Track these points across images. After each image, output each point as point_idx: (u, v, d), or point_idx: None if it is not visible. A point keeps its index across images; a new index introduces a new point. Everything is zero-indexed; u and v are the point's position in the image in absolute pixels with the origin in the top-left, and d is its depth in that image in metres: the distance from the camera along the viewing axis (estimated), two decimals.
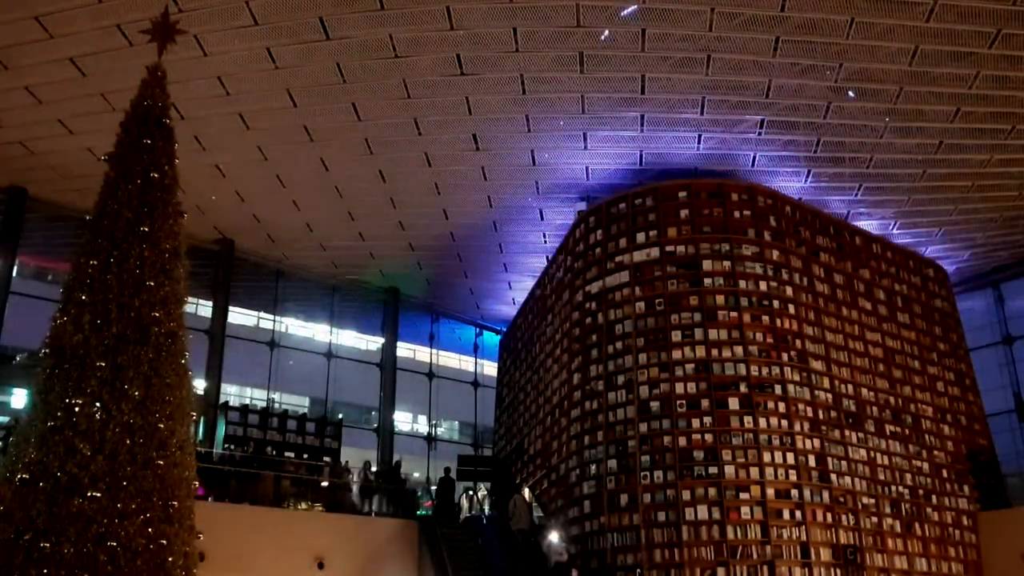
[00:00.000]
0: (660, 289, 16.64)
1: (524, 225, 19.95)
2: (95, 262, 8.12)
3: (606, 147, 16.82)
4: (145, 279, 8.17)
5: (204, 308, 21.75)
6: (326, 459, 19.99)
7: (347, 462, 19.86)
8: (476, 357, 27.24)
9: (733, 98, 15.04)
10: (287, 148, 17.00)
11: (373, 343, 25.63)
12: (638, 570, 14.78)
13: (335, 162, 17.50)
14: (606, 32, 13.56)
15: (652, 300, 16.64)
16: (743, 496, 14.83)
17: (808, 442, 15.53)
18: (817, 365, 16.42)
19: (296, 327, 24.92)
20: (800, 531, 14.71)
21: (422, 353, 26.37)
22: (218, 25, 13.46)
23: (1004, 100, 14.78)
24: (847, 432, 16.25)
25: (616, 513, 15.44)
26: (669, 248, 16.98)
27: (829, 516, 15.11)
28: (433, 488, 20.80)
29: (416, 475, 24.17)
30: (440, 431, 26.29)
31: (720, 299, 16.37)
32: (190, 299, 9.98)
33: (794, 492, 14.97)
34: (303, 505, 17.23)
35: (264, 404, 22.10)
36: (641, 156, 17.03)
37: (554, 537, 15.69)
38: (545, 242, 20.65)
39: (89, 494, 7.29)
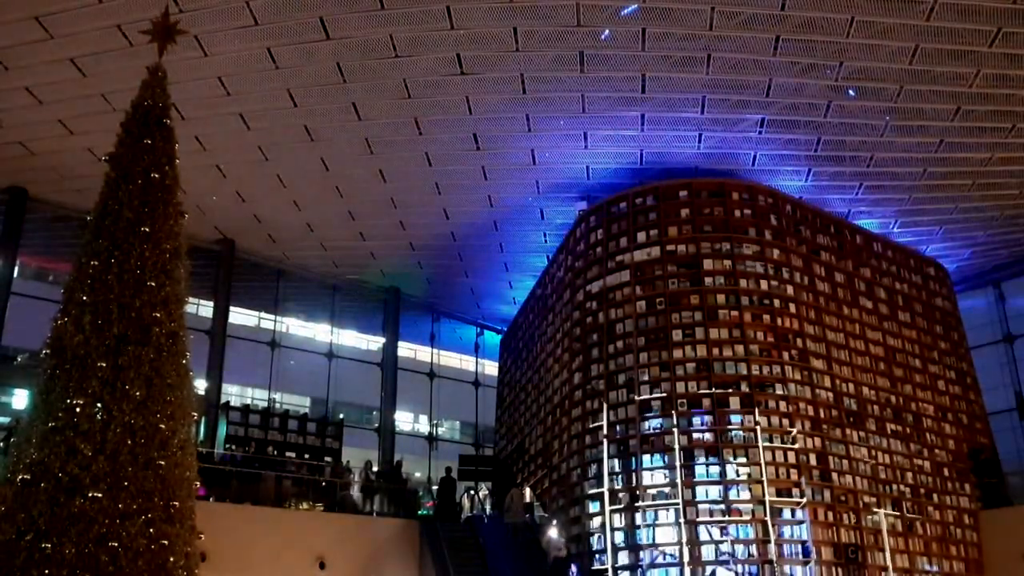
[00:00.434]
0: (661, 288, 16.64)
1: (525, 224, 19.95)
2: (96, 262, 8.13)
3: (606, 146, 16.82)
4: (146, 279, 8.18)
5: (205, 308, 21.75)
6: (327, 459, 20.00)
7: (348, 462, 19.87)
8: (477, 357, 27.25)
9: (733, 97, 15.04)
10: (288, 148, 17.01)
11: (374, 343, 25.63)
12: (640, 569, 14.80)
13: (335, 162, 17.50)
14: (606, 31, 13.56)
15: (653, 299, 16.64)
16: (744, 495, 14.84)
17: (809, 441, 15.53)
18: (818, 364, 16.42)
19: (297, 327, 24.94)
20: (801, 530, 14.71)
21: (423, 353, 26.37)
22: (218, 25, 13.46)
23: (1004, 99, 14.77)
24: (848, 431, 16.25)
25: (617, 513, 15.43)
26: (670, 247, 16.97)
27: (830, 515, 15.11)
28: (434, 488, 20.82)
29: (417, 475, 24.18)
30: (441, 431, 26.31)
31: (721, 298, 16.37)
32: (191, 299, 9.98)
33: (795, 491, 14.96)
34: (304, 505, 17.23)
35: (265, 404, 22.12)
36: (641, 155, 17.02)
37: (553, 533, 15.71)
38: (546, 241, 20.64)
39: (90, 495, 7.30)
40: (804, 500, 14.81)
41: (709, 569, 14.52)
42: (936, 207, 18.51)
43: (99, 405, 7.63)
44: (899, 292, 19.10)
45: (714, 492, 14.92)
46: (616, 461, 15.79)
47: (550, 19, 13.18)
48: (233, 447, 19.18)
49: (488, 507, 20.26)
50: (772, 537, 14.45)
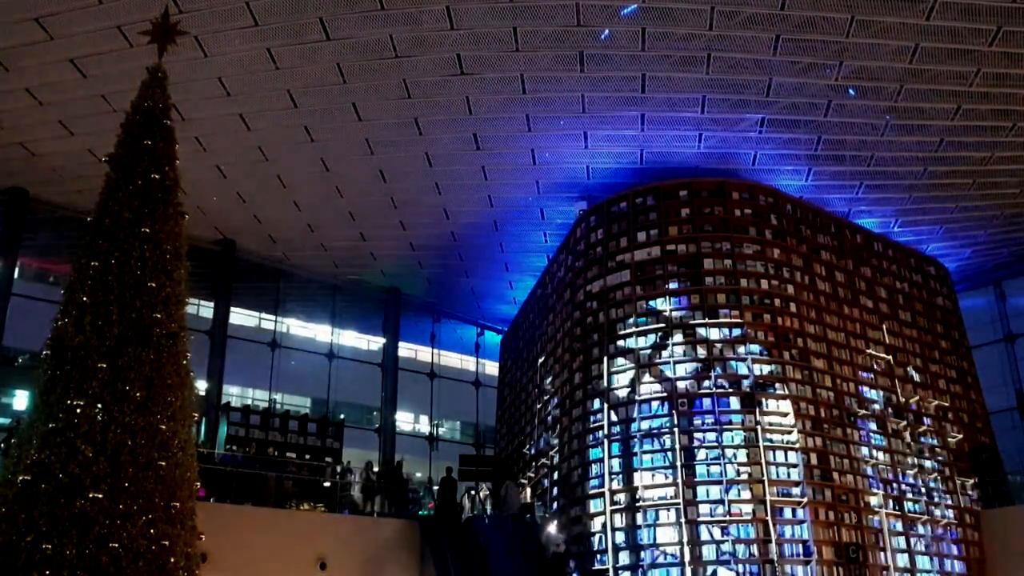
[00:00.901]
0: (661, 288, 16.64)
1: (525, 224, 19.94)
2: (96, 263, 8.14)
3: (607, 146, 16.81)
4: (146, 280, 8.19)
5: (205, 309, 21.75)
6: (328, 459, 20.00)
7: (349, 462, 19.87)
8: (477, 357, 27.25)
9: (733, 97, 15.03)
10: (288, 148, 17.00)
11: (374, 343, 25.63)
12: (641, 570, 14.80)
13: (335, 162, 17.49)
14: (606, 31, 13.55)
15: (653, 299, 16.63)
16: (745, 495, 14.83)
17: (810, 440, 15.53)
18: (818, 364, 16.42)
19: (297, 327, 24.93)
20: (802, 530, 14.71)
21: (423, 353, 26.37)
22: (219, 26, 13.46)
23: (1005, 98, 14.76)
24: (849, 430, 16.24)
25: (618, 513, 15.43)
26: (670, 247, 16.97)
27: (831, 514, 15.10)
28: (435, 488, 20.80)
29: (418, 475, 24.19)
30: (442, 431, 26.30)
31: (721, 298, 16.37)
32: (191, 300, 9.98)
33: (796, 490, 14.96)
34: (305, 506, 17.24)
35: (266, 405, 22.12)
36: (642, 155, 17.01)
37: (552, 529, 15.74)
38: (546, 241, 20.64)
39: (91, 495, 7.31)
40: (805, 500, 14.81)
41: (710, 569, 14.53)
42: (936, 206, 18.50)
43: (100, 406, 7.64)
44: (900, 291, 19.10)
45: (715, 492, 14.91)
46: (616, 461, 15.79)
47: (550, 19, 13.17)
48: (234, 448, 19.19)
49: (489, 507, 20.25)
50: (773, 537, 14.45)
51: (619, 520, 15.41)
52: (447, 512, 18.45)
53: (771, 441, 15.20)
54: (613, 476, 15.69)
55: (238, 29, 13.54)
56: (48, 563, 7.05)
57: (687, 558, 14.50)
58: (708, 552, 14.61)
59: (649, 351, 16.26)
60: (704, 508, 14.83)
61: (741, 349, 15.91)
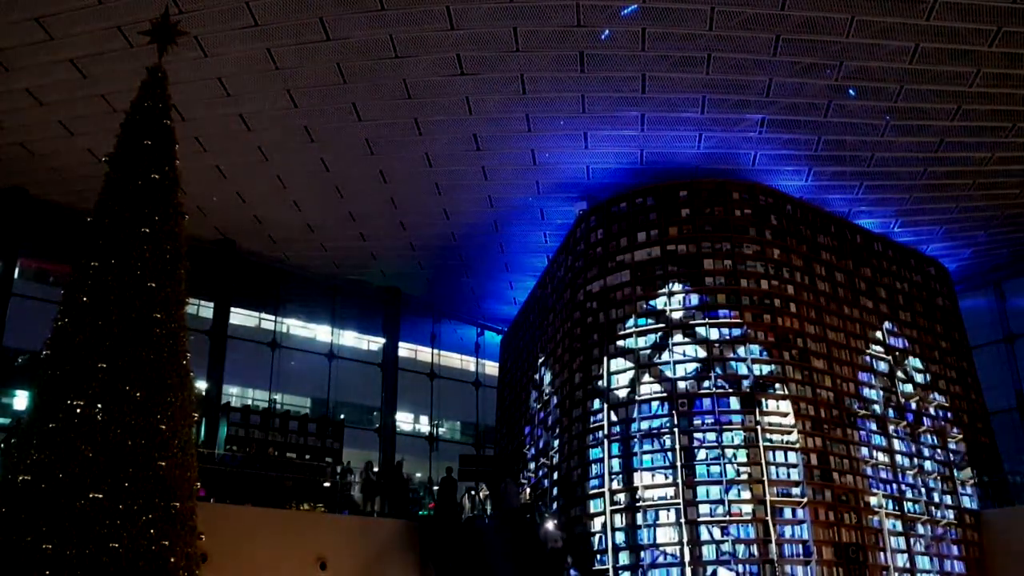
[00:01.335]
0: (661, 288, 16.63)
1: (525, 225, 19.94)
2: (96, 263, 8.13)
3: (607, 146, 16.81)
4: (146, 280, 8.19)
5: (205, 309, 21.74)
6: (328, 460, 19.99)
7: (349, 462, 19.85)
8: (477, 357, 27.25)
9: (734, 97, 15.03)
10: (288, 148, 17.00)
11: (374, 343, 25.62)
12: (641, 570, 14.80)
13: (335, 162, 17.49)
14: (606, 31, 13.55)
15: (653, 299, 16.63)
16: (745, 495, 14.83)
17: (810, 440, 15.53)
18: (818, 364, 16.42)
19: (297, 328, 24.92)
20: (802, 530, 14.71)
21: (424, 353, 26.37)
22: (218, 26, 13.45)
23: (1005, 98, 14.76)
24: (849, 430, 16.24)
25: (618, 513, 15.43)
26: (670, 247, 16.98)
27: (831, 515, 15.10)
28: (435, 488, 20.80)
29: (418, 475, 24.18)
30: (442, 431, 26.29)
31: (721, 298, 16.37)
32: (191, 300, 9.98)
33: (796, 490, 14.96)
34: (305, 506, 17.23)
35: (266, 405, 22.12)
36: (642, 155, 17.01)
37: (550, 525, 15.76)
38: (546, 242, 20.64)
39: (91, 495, 7.30)
40: (805, 500, 14.81)
41: (710, 569, 14.53)
42: (936, 207, 18.50)
43: (99, 406, 7.63)
44: (900, 292, 19.10)
45: (715, 492, 14.91)
46: (616, 461, 15.79)
47: (550, 19, 13.17)
48: (234, 448, 19.19)
49: (489, 507, 20.25)
50: (773, 537, 14.45)
51: (619, 520, 15.41)
52: (447, 512, 18.44)
53: (771, 441, 15.21)
54: (613, 476, 15.69)
55: (238, 29, 13.53)
56: (48, 563, 7.04)
57: (687, 558, 14.51)
58: (708, 552, 14.62)
59: (649, 351, 16.28)
60: (704, 508, 14.84)
61: (741, 349, 15.92)
